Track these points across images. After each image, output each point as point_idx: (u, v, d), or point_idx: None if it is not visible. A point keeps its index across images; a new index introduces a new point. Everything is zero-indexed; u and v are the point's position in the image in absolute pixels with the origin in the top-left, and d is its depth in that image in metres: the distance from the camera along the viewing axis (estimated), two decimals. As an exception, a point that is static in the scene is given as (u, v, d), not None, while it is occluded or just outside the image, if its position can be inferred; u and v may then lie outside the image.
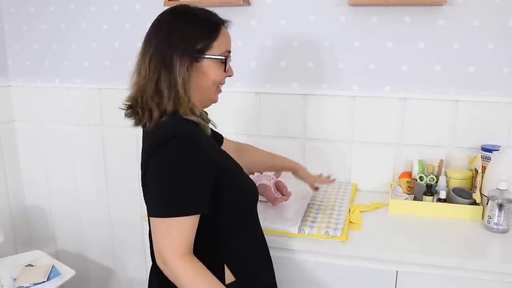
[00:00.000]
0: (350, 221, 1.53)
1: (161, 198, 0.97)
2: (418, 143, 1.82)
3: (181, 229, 0.96)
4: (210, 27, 1.09)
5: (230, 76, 1.15)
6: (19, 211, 2.46)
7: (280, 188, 1.67)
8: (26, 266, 1.96)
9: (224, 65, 1.11)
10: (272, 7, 1.87)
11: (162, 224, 0.96)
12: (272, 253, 1.26)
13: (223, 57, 1.10)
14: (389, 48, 1.78)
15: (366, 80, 1.83)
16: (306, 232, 1.41)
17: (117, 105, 2.17)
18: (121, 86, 2.12)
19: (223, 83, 1.15)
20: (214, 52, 1.08)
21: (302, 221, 1.48)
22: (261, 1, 1.87)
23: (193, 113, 1.06)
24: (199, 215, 0.99)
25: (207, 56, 1.07)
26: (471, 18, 1.69)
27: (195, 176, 0.98)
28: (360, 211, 1.62)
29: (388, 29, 1.77)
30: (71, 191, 2.37)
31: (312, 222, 1.48)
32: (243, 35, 1.88)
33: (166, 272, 0.98)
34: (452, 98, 1.75)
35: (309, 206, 1.63)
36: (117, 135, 2.18)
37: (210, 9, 1.13)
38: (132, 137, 2.05)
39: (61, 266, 1.97)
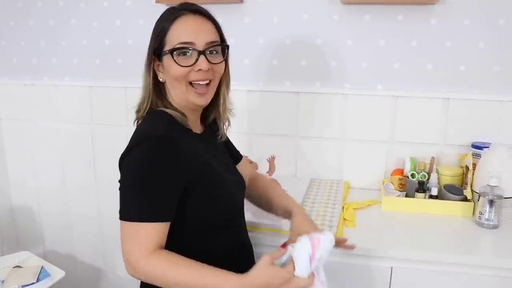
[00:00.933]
0: (344, 218, 1.54)
1: (127, 201, 0.96)
2: (409, 140, 1.83)
3: (148, 235, 0.92)
4: (166, 20, 1.05)
5: (200, 69, 1.02)
6: (5, 211, 2.41)
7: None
8: (14, 267, 1.92)
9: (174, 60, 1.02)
10: (264, 5, 1.86)
11: (129, 227, 0.94)
12: (262, 250, 1.26)
13: (170, 50, 1.02)
14: (382, 46, 1.80)
15: (358, 78, 1.84)
16: (300, 229, 1.41)
17: (107, 103, 2.19)
18: (112, 84, 2.11)
19: (192, 79, 1.04)
20: (167, 47, 1.03)
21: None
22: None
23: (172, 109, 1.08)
24: (167, 223, 0.96)
25: (165, 52, 1.03)
26: (462, 17, 1.71)
27: (162, 181, 0.95)
28: (354, 208, 1.63)
29: (381, 28, 1.78)
30: (59, 190, 2.34)
31: (306, 219, 1.47)
32: (236, 33, 1.88)
33: (137, 276, 0.94)
34: (443, 96, 1.77)
35: (302, 203, 1.63)
36: (107, 133, 2.15)
37: (204, 6, 1.09)
38: (122, 136, 2.03)
39: (50, 267, 1.93)
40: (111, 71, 2.11)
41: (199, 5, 1.08)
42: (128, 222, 0.94)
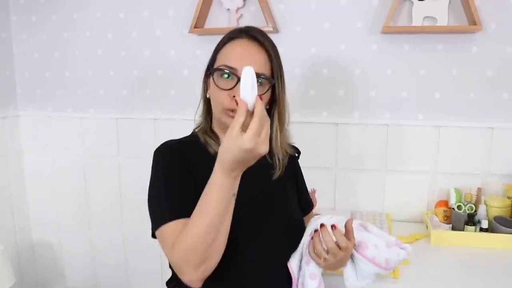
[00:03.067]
0: (397, 256, 1.48)
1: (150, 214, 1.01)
2: (452, 171, 1.79)
3: (167, 236, 0.93)
4: (225, 38, 1.07)
5: (234, 96, 0.95)
6: (25, 248, 2.32)
7: None
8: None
9: (213, 79, 1.03)
10: (301, 35, 1.83)
11: (158, 236, 0.97)
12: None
13: (213, 69, 1.04)
14: (422, 75, 1.76)
15: (398, 108, 1.80)
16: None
17: (135, 135, 2.13)
18: (140, 115, 2.06)
19: (225, 106, 1.00)
20: (215, 65, 1.05)
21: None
22: (290, 28, 1.84)
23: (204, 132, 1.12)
24: (184, 218, 0.92)
25: (212, 69, 1.05)
26: (504, 45, 1.68)
27: (166, 178, 1.01)
28: (403, 244, 1.57)
29: (421, 57, 1.75)
30: (82, 226, 2.25)
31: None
32: (271, 63, 1.83)
33: (189, 274, 0.88)
34: (487, 125, 1.74)
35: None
36: (135, 166, 2.09)
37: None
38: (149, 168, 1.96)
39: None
40: (139, 102, 2.06)
41: (264, 32, 1.07)
42: (157, 233, 0.97)
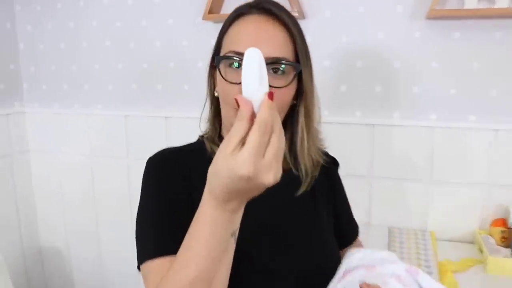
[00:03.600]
0: None
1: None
2: (512, 183, 1.50)
3: (150, 275, 0.73)
4: (229, 18, 0.83)
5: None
6: (33, 253, 2.17)
7: None
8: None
9: (220, 72, 0.78)
10: (331, 21, 1.58)
11: (142, 272, 0.76)
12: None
13: (218, 59, 0.79)
14: (475, 70, 1.48)
15: (446, 107, 1.52)
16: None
17: (145, 134, 1.93)
18: (150, 113, 1.86)
19: (231, 102, 0.76)
20: (221, 54, 0.81)
21: None
22: (318, 14, 1.59)
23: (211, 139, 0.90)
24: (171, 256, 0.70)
25: (217, 59, 0.80)
26: None
27: (155, 200, 0.80)
28: (452, 272, 1.31)
29: (474, 47, 1.47)
30: (91, 230, 2.09)
31: None
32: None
33: None
34: (556, 129, 1.44)
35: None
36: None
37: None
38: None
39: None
40: (150, 98, 1.86)
41: (281, 5, 0.81)
42: (141, 267, 0.76)
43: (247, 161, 0.53)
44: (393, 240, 1.51)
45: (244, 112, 0.56)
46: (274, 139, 0.56)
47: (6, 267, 1.69)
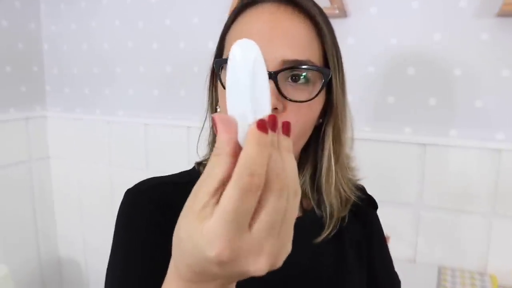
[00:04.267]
0: None
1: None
2: None
3: None
4: (235, 10, 0.65)
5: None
6: (51, 264, 2.06)
7: None
8: None
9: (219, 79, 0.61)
10: (378, 20, 1.34)
11: None
12: None
13: (216, 62, 0.62)
14: (558, 79, 1.19)
15: (518, 125, 1.24)
16: None
17: (165, 144, 1.76)
18: (171, 121, 1.68)
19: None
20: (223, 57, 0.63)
21: None
22: (362, 11, 1.35)
23: None
24: None
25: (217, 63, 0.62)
26: None
27: (126, 252, 0.63)
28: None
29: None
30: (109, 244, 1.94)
31: None
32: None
33: None
34: None
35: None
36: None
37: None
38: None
39: None
40: (172, 105, 1.69)
41: None
42: None
43: (218, 237, 0.33)
44: (443, 282, 1.25)
45: (223, 143, 0.35)
46: (271, 199, 0.34)
47: (11, 279, 1.57)
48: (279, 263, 0.36)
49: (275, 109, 0.55)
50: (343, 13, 1.34)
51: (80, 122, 1.90)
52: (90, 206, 1.95)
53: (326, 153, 0.66)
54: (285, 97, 0.56)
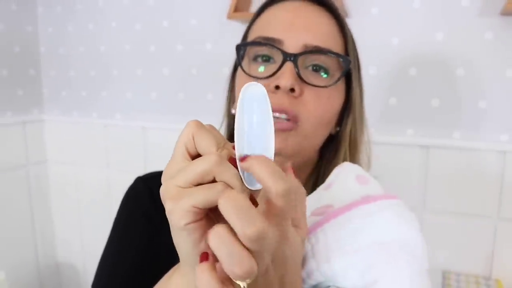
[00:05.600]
0: None
1: None
2: None
3: None
4: (261, 6, 0.67)
5: (278, 86, 0.56)
6: (49, 268, 2.04)
7: None
8: None
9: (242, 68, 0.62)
10: (379, 20, 1.32)
11: None
12: None
13: (238, 47, 0.62)
14: None
15: (523, 127, 1.22)
16: None
17: (163, 150, 1.74)
18: (170, 125, 1.66)
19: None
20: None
21: None
22: (363, 11, 1.33)
23: None
24: None
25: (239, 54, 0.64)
26: None
27: (120, 247, 0.67)
28: None
29: None
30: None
31: None
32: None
33: None
34: None
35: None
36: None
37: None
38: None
39: None
40: (170, 108, 1.67)
41: None
42: None
43: None
44: (447, 287, 1.22)
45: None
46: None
47: (7, 286, 1.55)
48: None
49: (291, 90, 0.55)
50: (344, 14, 1.31)
51: (78, 126, 1.88)
52: (88, 209, 1.93)
53: (340, 158, 0.66)
54: (304, 80, 0.56)
